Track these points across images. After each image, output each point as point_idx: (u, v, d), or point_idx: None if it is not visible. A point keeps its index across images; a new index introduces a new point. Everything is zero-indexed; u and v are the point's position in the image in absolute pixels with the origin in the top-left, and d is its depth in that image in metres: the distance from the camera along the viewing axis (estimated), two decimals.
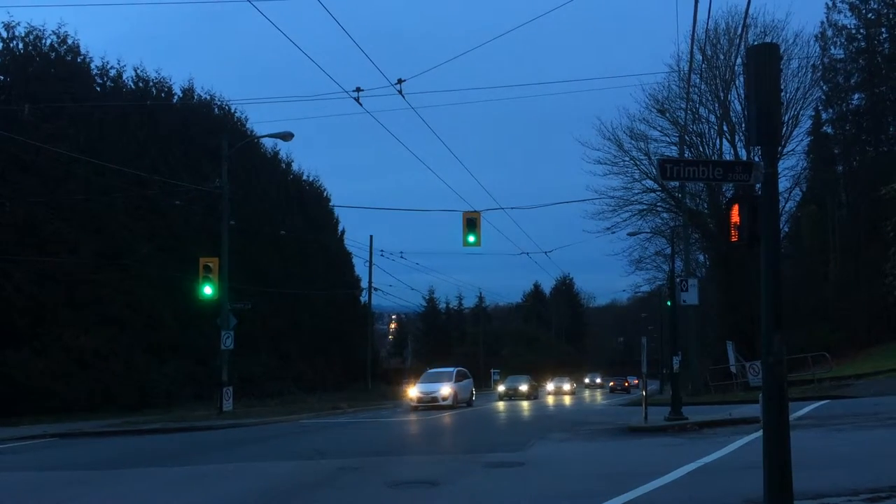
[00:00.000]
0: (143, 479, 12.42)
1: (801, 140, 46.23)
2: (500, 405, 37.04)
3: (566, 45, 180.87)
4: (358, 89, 19.96)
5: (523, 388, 47.51)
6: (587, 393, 67.35)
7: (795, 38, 41.23)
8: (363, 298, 54.09)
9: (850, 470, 10.16)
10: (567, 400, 47.00)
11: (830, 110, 54.60)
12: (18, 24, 34.79)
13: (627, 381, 74.30)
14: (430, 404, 31.00)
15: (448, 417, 26.16)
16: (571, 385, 61.28)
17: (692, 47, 26.44)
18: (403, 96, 19.48)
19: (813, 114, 49.63)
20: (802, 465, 7.33)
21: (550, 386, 60.86)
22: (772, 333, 6.48)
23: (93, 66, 37.88)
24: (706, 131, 43.55)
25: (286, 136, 28.72)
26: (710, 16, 37.73)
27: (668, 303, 23.39)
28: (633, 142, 42.36)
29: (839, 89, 53.20)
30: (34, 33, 35.24)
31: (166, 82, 41.96)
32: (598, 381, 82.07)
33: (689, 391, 34.73)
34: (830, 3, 53.06)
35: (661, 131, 42.30)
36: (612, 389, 72.15)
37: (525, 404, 38.19)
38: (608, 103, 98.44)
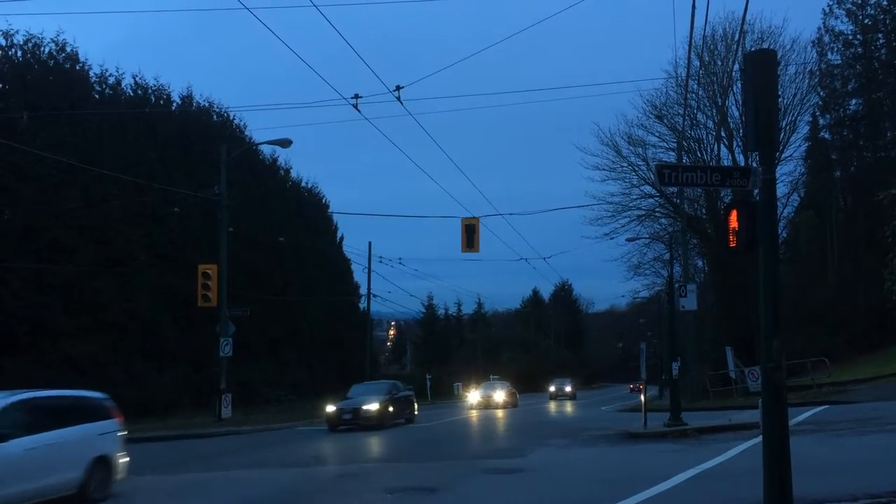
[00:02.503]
0: (142, 487, 12.38)
1: (799, 145, 46.30)
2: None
3: (564, 51, 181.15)
4: (356, 96, 19.95)
5: (371, 406, 24.69)
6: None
7: (792, 43, 41.34)
8: (362, 305, 53.97)
9: (850, 475, 10.16)
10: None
11: (828, 116, 54.71)
12: (17, 31, 34.76)
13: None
14: None
15: None
16: (510, 393, 42.41)
17: (689, 53, 26.40)
18: (402, 103, 19.48)
19: (810, 119, 49.76)
20: (802, 470, 7.33)
21: (475, 396, 42.59)
22: (771, 339, 6.48)
23: (91, 73, 37.87)
24: (704, 137, 43.58)
25: (285, 143, 28.74)
26: (707, 22, 37.64)
27: (667, 308, 23.40)
28: (631, 147, 42.35)
29: (836, 95, 53.34)
30: (33, 41, 35.22)
31: (165, 89, 42.00)
32: (569, 389, 60.50)
33: (689, 397, 34.72)
34: (827, 9, 53.29)
35: (659, 137, 42.32)
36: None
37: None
38: (606, 109, 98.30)
